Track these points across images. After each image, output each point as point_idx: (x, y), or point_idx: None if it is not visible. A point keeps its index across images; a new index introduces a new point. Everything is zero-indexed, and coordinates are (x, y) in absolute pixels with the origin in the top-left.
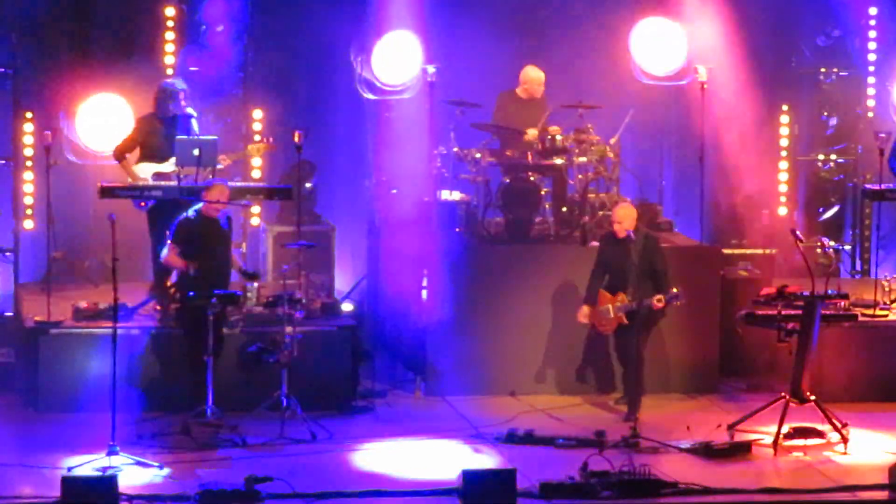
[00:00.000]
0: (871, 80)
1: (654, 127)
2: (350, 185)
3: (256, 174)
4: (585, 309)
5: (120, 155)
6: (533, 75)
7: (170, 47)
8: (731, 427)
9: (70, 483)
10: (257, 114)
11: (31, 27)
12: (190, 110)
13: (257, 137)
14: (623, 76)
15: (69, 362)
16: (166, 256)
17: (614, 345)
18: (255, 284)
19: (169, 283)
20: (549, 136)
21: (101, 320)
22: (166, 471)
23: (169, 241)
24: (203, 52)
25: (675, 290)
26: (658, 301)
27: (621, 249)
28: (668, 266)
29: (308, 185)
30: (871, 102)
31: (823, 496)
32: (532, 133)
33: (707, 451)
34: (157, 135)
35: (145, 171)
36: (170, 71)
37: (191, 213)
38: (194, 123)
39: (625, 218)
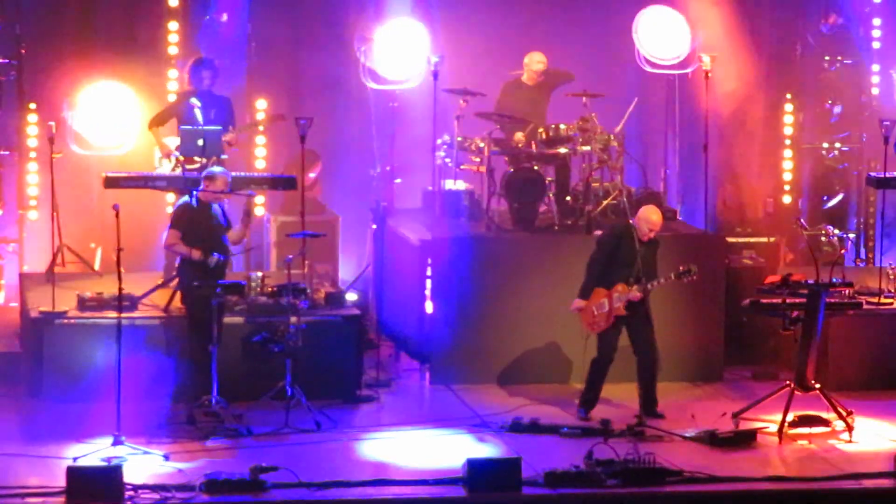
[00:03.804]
0: (875, 67)
1: (659, 115)
2: (354, 175)
3: (261, 164)
4: (580, 301)
5: (154, 123)
6: (532, 58)
7: (174, 37)
8: (736, 415)
9: (75, 473)
10: (261, 103)
11: (35, 18)
12: (194, 100)
13: (261, 115)
14: (627, 65)
15: (74, 352)
16: (168, 242)
17: (630, 338)
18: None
19: (176, 266)
20: (553, 126)
21: (106, 310)
22: (171, 461)
23: (169, 227)
24: (207, 42)
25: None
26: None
27: (645, 248)
28: None
29: (312, 174)
30: (875, 90)
31: (828, 484)
32: (518, 136)
33: (712, 440)
34: (190, 110)
35: (173, 145)
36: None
37: (190, 199)
38: (198, 113)
39: (658, 224)
